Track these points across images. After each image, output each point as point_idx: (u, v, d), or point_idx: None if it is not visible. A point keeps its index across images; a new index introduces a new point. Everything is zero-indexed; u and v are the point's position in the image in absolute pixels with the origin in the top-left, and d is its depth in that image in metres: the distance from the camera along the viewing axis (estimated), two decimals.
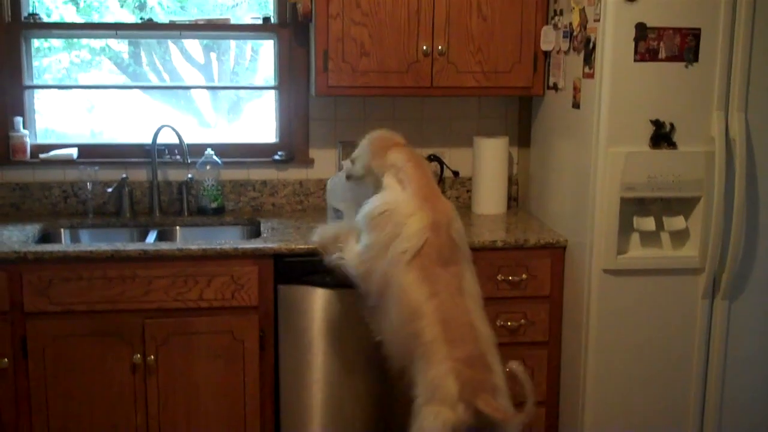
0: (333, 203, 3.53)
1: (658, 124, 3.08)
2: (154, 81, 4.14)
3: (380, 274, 2.79)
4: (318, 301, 3.29)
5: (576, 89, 3.28)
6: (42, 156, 3.74)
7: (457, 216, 2.92)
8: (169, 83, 4.16)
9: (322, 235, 3.14)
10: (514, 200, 4.03)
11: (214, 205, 3.81)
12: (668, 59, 3.04)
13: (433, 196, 2.89)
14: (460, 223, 2.92)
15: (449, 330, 2.64)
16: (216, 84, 4.19)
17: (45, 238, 3.58)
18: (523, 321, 3.39)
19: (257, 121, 4.11)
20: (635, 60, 3.03)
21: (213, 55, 4.19)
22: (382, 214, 2.84)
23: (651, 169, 3.09)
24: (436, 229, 2.78)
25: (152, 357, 3.22)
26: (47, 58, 3.97)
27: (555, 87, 3.52)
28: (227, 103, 4.22)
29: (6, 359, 3.15)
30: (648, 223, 3.16)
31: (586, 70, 3.18)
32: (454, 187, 4.01)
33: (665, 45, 3.03)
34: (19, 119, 3.71)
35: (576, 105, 3.29)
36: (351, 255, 2.93)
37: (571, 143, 3.38)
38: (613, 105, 3.06)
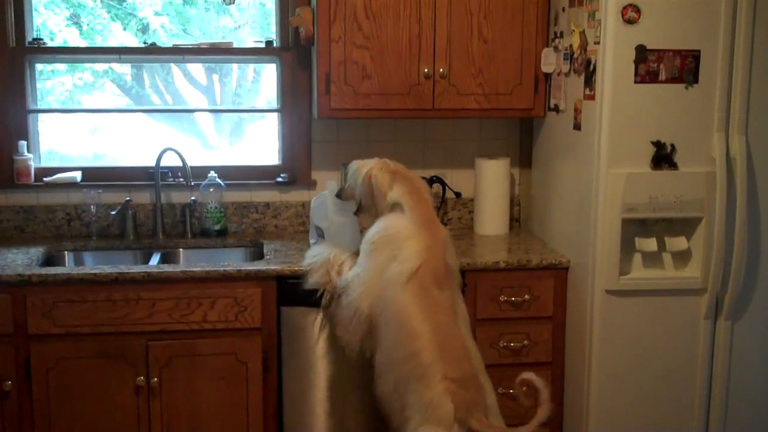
0: (316, 222, 3.51)
1: (659, 145, 3.10)
2: (157, 103, 4.16)
3: (376, 295, 2.83)
4: (321, 322, 3.29)
5: (577, 111, 3.30)
6: (46, 179, 3.76)
7: (452, 243, 2.99)
8: (171, 105, 4.18)
9: (312, 263, 3.15)
10: (516, 221, 4.04)
11: (217, 227, 3.82)
12: (668, 81, 3.07)
13: (431, 222, 2.95)
14: (453, 250, 2.99)
15: (445, 351, 2.67)
16: (218, 106, 4.21)
17: (49, 260, 3.59)
18: (526, 342, 3.39)
19: (260, 143, 4.13)
20: (635, 82, 3.06)
21: (215, 77, 4.22)
22: (381, 238, 2.90)
23: (652, 189, 3.10)
24: (433, 252, 2.83)
25: (156, 379, 3.22)
26: (50, 81, 3.99)
27: (556, 108, 3.55)
28: (230, 125, 4.24)
29: (9, 382, 3.16)
30: (650, 244, 3.17)
31: (587, 91, 3.20)
32: (456, 208, 4.03)
33: (665, 67, 3.05)
34: (23, 143, 3.74)
35: (577, 126, 3.31)
36: (354, 278, 2.95)
37: (572, 164, 3.40)
38: (613, 126, 3.08)
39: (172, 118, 4.15)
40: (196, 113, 4.19)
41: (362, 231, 3.08)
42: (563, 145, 3.50)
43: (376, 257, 2.88)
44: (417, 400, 2.63)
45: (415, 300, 2.74)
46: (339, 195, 3.25)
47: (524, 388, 2.77)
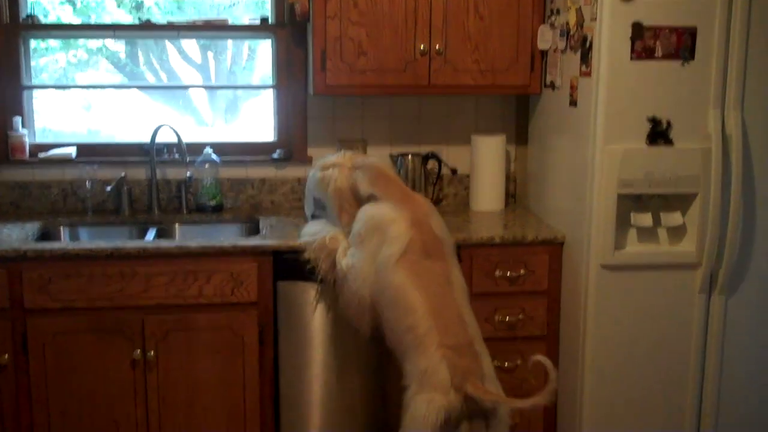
0: (315, 193, 3.48)
1: (654, 121, 3.11)
2: (152, 81, 4.15)
3: (373, 282, 2.89)
4: (317, 296, 3.30)
5: (573, 87, 3.31)
6: (41, 155, 3.75)
7: (435, 211, 3.04)
8: (167, 82, 4.17)
9: (310, 242, 3.18)
10: (511, 197, 4.06)
11: (212, 203, 3.82)
12: (664, 57, 3.07)
13: (408, 199, 3.01)
14: (439, 217, 3.03)
15: (440, 321, 2.71)
16: (213, 83, 4.20)
17: (45, 236, 3.59)
18: (521, 316, 3.41)
19: (255, 121, 4.13)
20: (632, 58, 3.06)
21: (210, 55, 4.20)
22: (368, 228, 2.95)
23: (648, 166, 3.11)
24: (418, 227, 2.88)
25: (152, 353, 3.23)
26: (44, 58, 3.98)
27: (552, 85, 3.55)
28: (224, 103, 4.23)
29: (6, 355, 3.17)
30: (645, 219, 3.18)
31: (583, 68, 3.20)
32: (452, 184, 4.04)
33: (661, 43, 3.06)
34: (18, 119, 3.73)
35: (573, 103, 3.32)
36: (352, 271, 2.99)
37: (568, 141, 3.41)
38: (609, 103, 3.09)
39: (167, 96, 4.15)
40: (191, 91, 4.18)
41: (346, 227, 3.10)
42: (559, 121, 3.51)
43: (367, 246, 2.93)
44: (413, 369, 2.67)
45: (408, 277, 2.79)
46: (314, 216, 3.33)
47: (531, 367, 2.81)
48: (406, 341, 2.73)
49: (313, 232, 3.20)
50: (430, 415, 2.56)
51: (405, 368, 2.72)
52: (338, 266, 3.03)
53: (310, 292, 3.29)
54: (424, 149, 3.94)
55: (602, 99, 3.08)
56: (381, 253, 2.86)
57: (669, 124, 3.11)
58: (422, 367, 2.65)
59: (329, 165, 3.19)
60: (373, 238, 2.92)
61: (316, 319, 3.32)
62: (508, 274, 3.38)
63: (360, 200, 3.10)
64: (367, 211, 3.01)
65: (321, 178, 3.18)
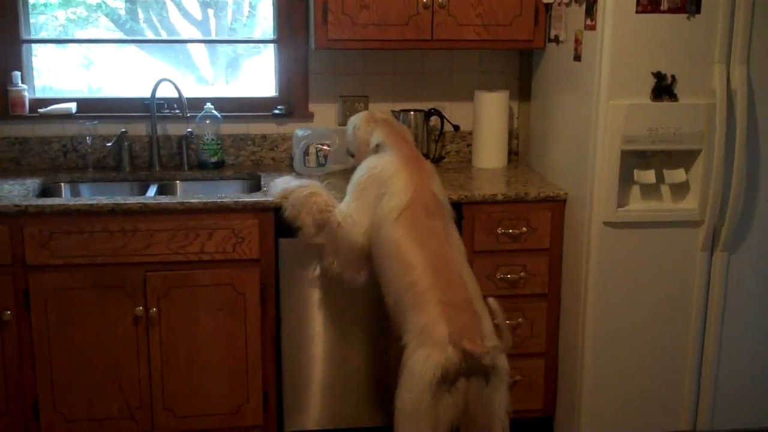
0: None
1: (659, 76, 3.07)
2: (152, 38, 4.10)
3: (370, 231, 2.91)
4: (319, 254, 3.30)
5: (577, 42, 3.27)
6: (41, 110, 3.72)
7: (437, 175, 3.06)
8: (166, 38, 4.12)
9: (287, 197, 3.16)
10: (514, 154, 4.03)
11: (213, 159, 3.80)
12: (670, 11, 3.02)
13: (414, 158, 3.02)
14: (440, 183, 3.06)
15: (440, 278, 2.72)
16: (214, 39, 4.15)
17: (45, 192, 3.58)
18: (522, 273, 3.40)
19: (255, 78, 4.08)
20: (637, 11, 3.01)
21: (210, 12, 4.15)
22: (368, 178, 2.97)
23: (652, 121, 3.08)
24: (420, 185, 2.88)
25: (154, 309, 3.23)
26: (43, 15, 3.93)
27: (556, 40, 3.51)
28: (225, 60, 4.19)
29: (9, 312, 3.17)
30: (648, 176, 3.16)
31: (588, 22, 3.16)
32: (455, 141, 4.01)
33: None
34: (17, 74, 3.69)
35: (577, 58, 3.27)
36: (348, 220, 3.00)
37: (572, 96, 3.37)
38: (614, 57, 3.05)
39: (167, 53, 4.10)
40: (191, 49, 4.13)
41: None
42: (563, 76, 3.47)
43: (365, 196, 2.95)
44: (413, 326, 2.68)
45: (408, 232, 2.79)
46: (352, 155, 3.35)
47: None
48: (406, 298, 2.73)
49: (284, 188, 3.19)
50: (427, 370, 2.57)
51: (404, 325, 2.73)
52: (330, 215, 3.03)
53: (311, 248, 3.27)
54: (427, 105, 3.91)
55: (607, 53, 3.04)
56: (381, 205, 2.87)
57: (674, 79, 3.07)
58: (421, 323, 2.65)
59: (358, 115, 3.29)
60: (372, 189, 2.93)
61: (317, 276, 3.32)
62: (510, 232, 3.36)
63: (367, 154, 3.13)
64: (369, 162, 3.03)
65: (350, 121, 3.30)
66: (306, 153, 3.50)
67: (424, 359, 2.59)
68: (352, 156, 3.30)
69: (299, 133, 3.70)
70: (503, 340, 2.58)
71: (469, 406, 2.67)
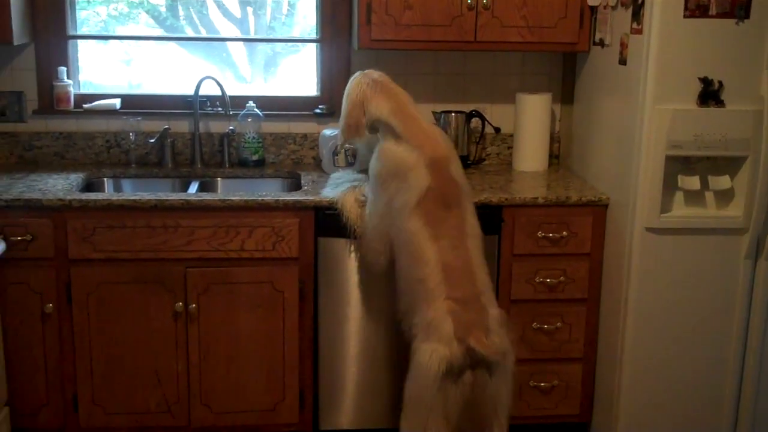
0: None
1: (706, 81, 3.03)
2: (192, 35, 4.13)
3: (391, 224, 2.96)
4: (356, 253, 3.30)
5: (623, 45, 3.24)
6: (85, 106, 3.77)
7: (454, 151, 3.05)
8: (211, 35, 4.14)
9: (343, 195, 3.24)
10: (555, 157, 4.00)
11: (254, 157, 3.82)
12: (719, 16, 2.98)
13: (430, 142, 2.98)
14: (458, 159, 3.05)
15: (449, 274, 2.78)
16: (249, 37, 4.17)
17: (88, 186, 3.62)
18: (562, 278, 3.38)
19: (293, 77, 4.10)
20: (685, 16, 2.97)
21: (250, 10, 4.16)
22: (388, 172, 2.98)
23: (698, 127, 3.04)
24: (437, 175, 2.90)
25: (194, 305, 3.26)
26: (85, 11, 3.97)
27: (601, 43, 3.48)
28: (263, 58, 4.20)
29: (51, 304, 3.21)
30: (693, 182, 3.12)
31: (634, 25, 3.13)
32: (495, 143, 3.99)
33: (716, 1, 2.97)
34: (63, 69, 3.74)
35: (622, 61, 3.24)
36: (367, 220, 3.12)
37: (616, 100, 3.34)
38: (660, 62, 3.01)
39: (207, 51, 4.12)
40: (230, 47, 4.15)
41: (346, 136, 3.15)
42: (607, 80, 3.44)
43: (386, 190, 2.98)
44: (421, 319, 2.77)
45: (422, 226, 2.85)
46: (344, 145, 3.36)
47: None
48: (417, 292, 2.82)
49: (336, 191, 3.28)
50: (432, 363, 2.67)
51: (413, 317, 2.83)
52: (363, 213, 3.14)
53: (350, 248, 3.28)
54: (468, 107, 3.89)
55: (653, 57, 3.01)
56: (398, 198, 2.91)
57: (721, 84, 3.03)
58: (429, 318, 2.75)
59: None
60: (392, 183, 2.95)
61: (356, 275, 3.32)
62: (550, 236, 3.34)
63: (367, 118, 3.07)
64: (386, 152, 3.01)
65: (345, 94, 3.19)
66: (335, 153, 3.48)
67: (429, 353, 2.69)
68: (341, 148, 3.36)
69: (327, 133, 3.70)
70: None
71: (476, 397, 2.77)
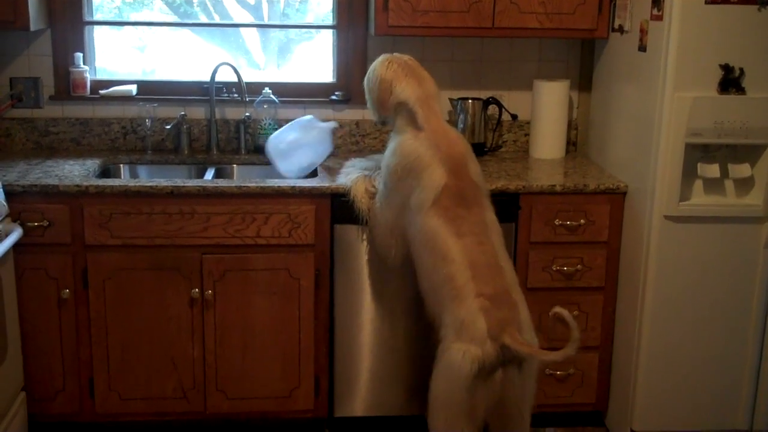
0: None
1: (727, 68, 3.00)
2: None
3: (406, 219, 2.90)
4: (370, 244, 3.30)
5: (643, 32, 3.20)
6: (102, 92, 3.76)
7: (471, 151, 2.99)
8: (225, 21, 4.13)
9: (355, 184, 3.21)
10: (572, 145, 3.97)
11: None
12: (740, 2, 2.95)
13: (447, 140, 2.93)
14: (476, 162, 2.99)
15: (477, 271, 2.72)
16: (268, 23, 4.15)
17: (105, 173, 3.62)
18: (579, 266, 3.36)
19: (307, 64, 4.08)
20: (706, 2, 2.94)
21: None
22: (404, 168, 2.91)
23: (718, 114, 3.01)
24: (454, 174, 2.84)
25: (210, 291, 3.25)
26: None
27: (620, 29, 3.44)
28: (277, 45, 4.19)
29: (67, 290, 3.22)
30: (712, 170, 3.10)
31: (655, 12, 3.09)
32: (512, 130, 3.97)
33: None
34: (79, 55, 3.73)
35: (642, 48, 3.21)
36: (377, 211, 3.07)
37: (635, 87, 3.31)
38: (681, 48, 2.98)
39: (220, 37, 4.11)
40: (243, 32, 4.13)
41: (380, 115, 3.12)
42: (626, 67, 3.41)
43: (400, 186, 2.92)
44: (452, 319, 2.71)
45: (443, 224, 2.79)
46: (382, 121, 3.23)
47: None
48: (444, 291, 2.75)
49: (347, 179, 3.25)
50: (465, 364, 2.61)
51: (441, 317, 2.76)
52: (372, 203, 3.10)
53: (366, 236, 3.27)
54: (485, 94, 3.87)
55: (674, 44, 2.98)
56: (414, 196, 2.86)
57: (742, 71, 3.00)
58: (460, 317, 2.68)
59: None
60: (407, 180, 2.89)
61: (372, 263, 3.31)
62: (567, 224, 3.32)
63: (392, 99, 3.01)
64: (403, 147, 2.94)
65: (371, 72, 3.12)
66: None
67: (462, 354, 2.63)
68: (382, 123, 3.20)
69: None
70: (571, 343, 2.62)
71: (505, 393, 2.73)
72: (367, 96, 3.15)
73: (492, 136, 3.90)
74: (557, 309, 2.70)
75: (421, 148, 2.89)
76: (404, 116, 3.00)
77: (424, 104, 2.96)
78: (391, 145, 3.02)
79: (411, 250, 2.94)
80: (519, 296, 2.78)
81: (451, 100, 3.82)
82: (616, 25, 3.49)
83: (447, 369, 2.68)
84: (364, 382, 3.45)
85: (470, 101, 3.78)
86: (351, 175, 3.27)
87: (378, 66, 3.07)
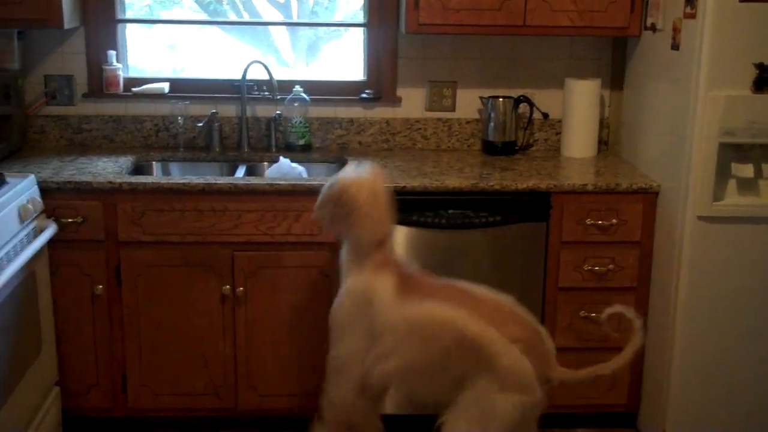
0: None
1: (761, 67, 2.97)
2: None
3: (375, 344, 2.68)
4: (404, 239, 3.29)
5: (676, 30, 3.18)
6: (134, 89, 3.79)
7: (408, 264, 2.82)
8: (256, 20, 4.15)
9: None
10: (604, 144, 3.95)
11: (301, 142, 3.82)
12: None
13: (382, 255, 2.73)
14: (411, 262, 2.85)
15: (490, 318, 2.52)
16: (298, 21, 4.16)
17: (137, 170, 3.65)
18: (611, 266, 3.34)
19: (336, 62, 4.09)
20: (740, 0, 2.91)
21: None
22: (351, 305, 2.74)
23: (752, 114, 2.99)
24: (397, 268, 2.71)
25: (241, 289, 3.27)
26: None
27: (653, 28, 3.42)
28: (306, 43, 4.20)
29: (101, 286, 3.25)
30: (746, 170, 3.07)
31: (688, 10, 3.07)
32: (543, 129, 3.95)
33: None
34: (112, 53, 3.76)
35: (675, 46, 3.19)
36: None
37: (667, 86, 3.29)
38: (714, 47, 2.96)
39: (250, 36, 4.13)
40: (272, 30, 4.15)
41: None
42: (659, 65, 3.38)
43: (357, 331, 2.72)
44: (491, 372, 2.48)
45: (418, 306, 2.60)
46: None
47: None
48: (457, 353, 2.52)
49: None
50: (516, 414, 2.47)
51: (463, 379, 2.53)
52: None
53: (397, 234, 3.25)
54: (515, 92, 3.86)
55: (707, 43, 2.96)
56: (371, 320, 2.66)
57: None
58: (504, 365, 2.47)
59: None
60: (360, 316, 2.70)
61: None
62: (599, 223, 3.30)
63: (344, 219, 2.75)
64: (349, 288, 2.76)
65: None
66: None
67: (512, 405, 2.46)
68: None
69: None
70: (634, 342, 2.57)
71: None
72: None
73: (523, 135, 3.89)
74: (617, 307, 2.60)
75: (365, 280, 2.71)
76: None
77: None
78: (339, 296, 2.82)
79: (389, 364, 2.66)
80: (539, 327, 2.63)
81: (481, 98, 3.82)
82: (648, 24, 3.47)
83: (492, 419, 2.48)
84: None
85: (501, 99, 3.78)
86: None
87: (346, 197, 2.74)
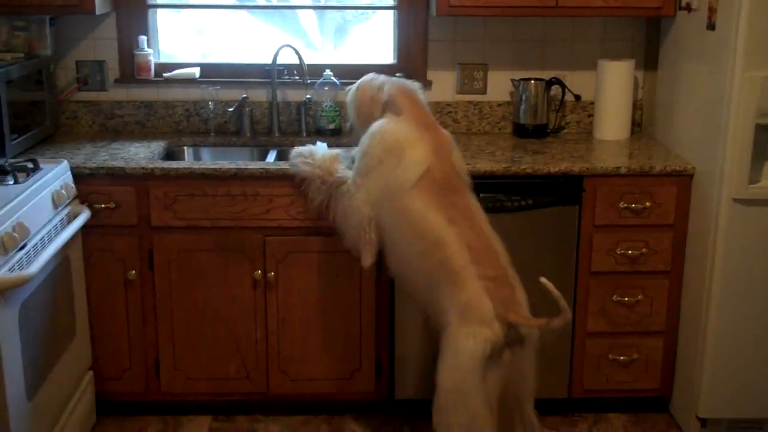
0: None
1: None
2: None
3: (380, 205, 2.79)
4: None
5: (711, 10, 3.12)
6: (165, 75, 3.80)
7: (456, 146, 2.91)
8: (286, 4, 4.14)
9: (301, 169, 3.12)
10: (637, 126, 3.90)
11: (331, 126, 3.81)
12: None
13: (431, 125, 2.87)
14: (460, 153, 2.93)
15: (475, 253, 2.63)
16: (327, 4, 4.14)
17: (169, 155, 3.66)
18: (644, 250, 3.31)
19: (363, 44, 4.06)
20: None
21: None
22: (383, 149, 2.80)
23: None
24: (438, 157, 2.76)
25: (272, 273, 3.28)
26: None
27: (688, 7, 3.36)
28: (334, 26, 4.18)
29: (134, 271, 3.27)
30: None
31: None
32: (575, 111, 3.91)
33: None
34: (143, 38, 3.77)
35: (711, 26, 3.14)
36: (350, 203, 2.91)
37: (703, 67, 3.23)
38: (751, 27, 2.91)
39: (278, 19, 4.12)
40: (300, 14, 4.13)
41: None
42: (694, 46, 3.33)
43: (380, 170, 2.80)
44: (453, 303, 2.60)
45: (430, 206, 2.69)
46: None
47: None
48: (439, 276, 2.65)
49: (301, 157, 3.15)
50: (477, 347, 2.52)
51: (440, 303, 2.66)
52: (339, 180, 2.97)
53: None
54: (547, 74, 3.82)
55: (744, 22, 2.91)
56: (394, 178, 2.74)
57: None
58: (463, 300, 2.58)
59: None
60: (387, 161, 2.77)
61: None
62: (632, 206, 3.27)
63: (373, 115, 2.95)
64: (381, 128, 2.85)
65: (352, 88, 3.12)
66: None
67: (472, 337, 2.53)
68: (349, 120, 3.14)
69: None
70: (562, 315, 2.52)
71: (511, 376, 2.63)
72: (350, 99, 3.11)
73: (555, 117, 3.85)
74: (542, 280, 2.57)
75: (403, 128, 2.82)
76: (385, 109, 2.94)
77: (404, 95, 2.92)
78: (369, 131, 2.90)
79: (386, 235, 2.81)
80: (515, 278, 2.68)
81: (513, 80, 3.78)
82: (683, 3, 3.41)
83: (457, 356, 2.56)
84: (426, 365, 3.43)
85: (532, 82, 3.74)
86: (316, 154, 3.14)
87: (365, 85, 3.07)
